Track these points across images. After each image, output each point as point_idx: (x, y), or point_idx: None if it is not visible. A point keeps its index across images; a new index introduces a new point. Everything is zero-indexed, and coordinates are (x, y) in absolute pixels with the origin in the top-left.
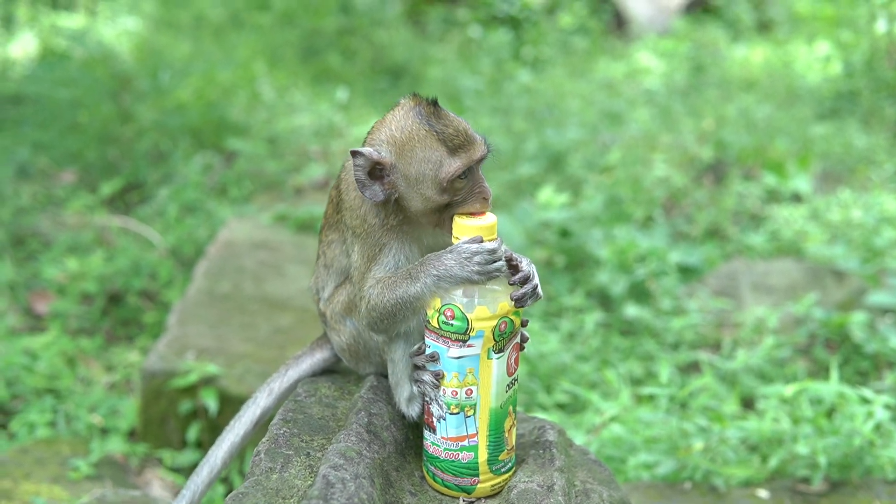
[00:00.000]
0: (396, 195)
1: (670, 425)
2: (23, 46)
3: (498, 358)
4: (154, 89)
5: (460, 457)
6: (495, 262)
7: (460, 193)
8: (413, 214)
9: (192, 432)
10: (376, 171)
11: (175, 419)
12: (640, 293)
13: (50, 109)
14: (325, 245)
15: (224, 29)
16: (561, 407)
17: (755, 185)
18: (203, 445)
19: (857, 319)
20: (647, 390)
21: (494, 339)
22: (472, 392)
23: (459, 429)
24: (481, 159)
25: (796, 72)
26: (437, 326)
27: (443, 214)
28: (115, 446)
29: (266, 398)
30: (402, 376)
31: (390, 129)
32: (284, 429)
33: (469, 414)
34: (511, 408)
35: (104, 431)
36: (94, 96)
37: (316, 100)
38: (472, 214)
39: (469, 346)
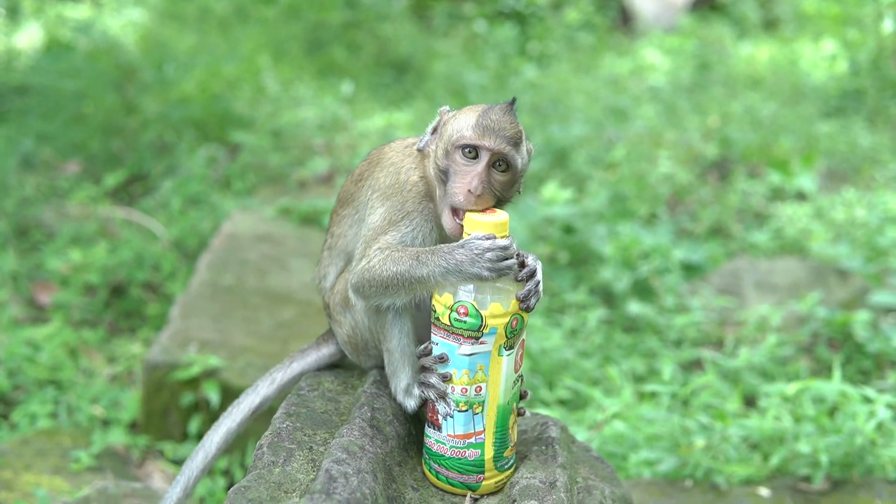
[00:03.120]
0: (427, 150)
1: (672, 423)
2: (28, 37)
3: (508, 354)
4: (159, 81)
5: (467, 454)
6: (507, 259)
7: (457, 170)
8: (429, 182)
9: (194, 425)
10: (439, 128)
11: (177, 411)
12: (643, 290)
13: (55, 100)
14: (335, 224)
15: (229, 21)
16: (563, 403)
17: (760, 182)
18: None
19: (859, 318)
20: (649, 387)
21: (506, 336)
22: (481, 389)
23: (467, 426)
24: (490, 151)
25: (802, 70)
26: (449, 323)
27: (442, 192)
28: (117, 438)
29: (267, 387)
30: (399, 366)
31: (473, 105)
32: (287, 422)
33: (477, 411)
34: (514, 404)
35: (105, 423)
36: (98, 87)
37: (320, 93)
38: (482, 211)
39: (481, 343)
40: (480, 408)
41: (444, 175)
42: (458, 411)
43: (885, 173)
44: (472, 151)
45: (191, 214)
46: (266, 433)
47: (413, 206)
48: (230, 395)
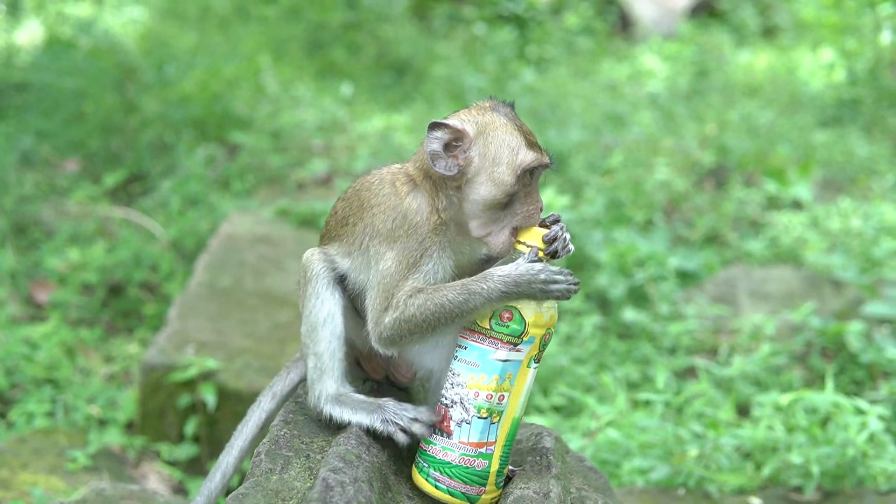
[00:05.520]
0: (466, 177)
1: (665, 431)
2: (29, 33)
3: (535, 367)
4: (159, 80)
5: (475, 463)
6: (557, 282)
7: (526, 192)
8: (471, 207)
9: (190, 426)
10: (452, 145)
11: (173, 412)
12: (638, 297)
13: (55, 98)
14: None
15: (230, 20)
16: (558, 410)
17: (756, 191)
18: (200, 440)
19: (853, 329)
20: (643, 396)
21: (539, 349)
22: (503, 398)
23: (483, 434)
24: (546, 166)
25: (800, 78)
26: (488, 327)
27: (501, 215)
28: (113, 438)
29: (269, 401)
30: (327, 370)
31: (470, 113)
32: (285, 430)
33: (495, 420)
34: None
35: (102, 423)
36: (98, 86)
37: (320, 94)
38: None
39: (518, 350)
40: (499, 417)
41: (511, 199)
42: (479, 417)
43: (882, 183)
44: (534, 172)
45: (189, 215)
46: (264, 440)
47: (431, 242)
48: (227, 397)
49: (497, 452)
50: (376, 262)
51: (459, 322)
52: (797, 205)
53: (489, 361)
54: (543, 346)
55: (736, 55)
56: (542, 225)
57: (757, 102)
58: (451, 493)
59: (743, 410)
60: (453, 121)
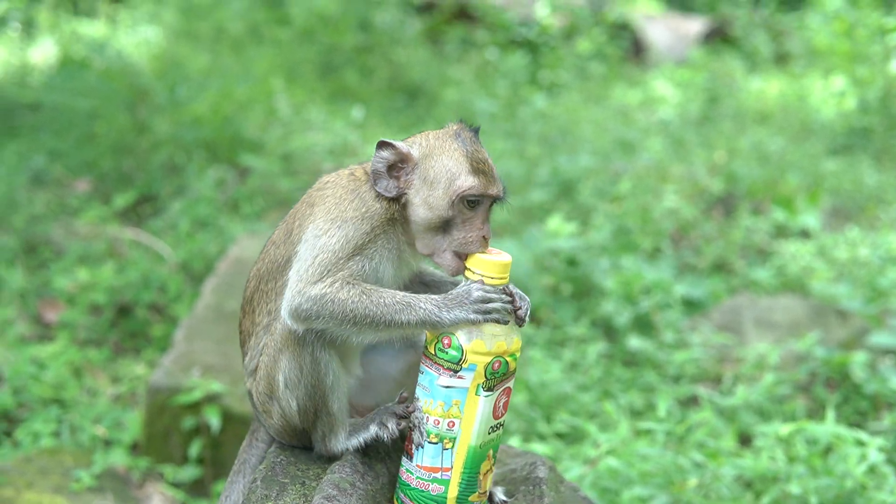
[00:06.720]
0: (406, 198)
1: (666, 460)
2: (43, 52)
3: (486, 396)
4: (171, 102)
5: (430, 488)
6: (492, 302)
7: (464, 219)
8: (413, 227)
9: (195, 448)
10: (397, 167)
11: (178, 434)
12: (644, 325)
13: (67, 118)
14: (263, 301)
15: (243, 42)
16: (560, 437)
17: (764, 219)
18: (205, 462)
19: (857, 359)
20: (644, 425)
21: (485, 377)
22: (454, 425)
23: (435, 459)
24: (495, 198)
25: (811, 106)
26: (433, 353)
27: (440, 238)
28: (118, 459)
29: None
30: (338, 424)
31: (427, 137)
32: (282, 457)
33: (447, 447)
34: (492, 451)
35: (107, 443)
36: (111, 107)
37: (332, 117)
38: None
39: (459, 377)
40: (451, 444)
41: (447, 224)
42: (429, 442)
43: (890, 213)
44: (476, 200)
45: (198, 237)
46: (260, 467)
47: (382, 231)
48: (231, 420)
49: (454, 479)
50: (316, 237)
51: (386, 330)
52: (805, 233)
53: (436, 387)
54: (493, 374)
55: (748, 82)
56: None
57: (767, 130)
58: None
59: (745, 440)
60: (400, 143)
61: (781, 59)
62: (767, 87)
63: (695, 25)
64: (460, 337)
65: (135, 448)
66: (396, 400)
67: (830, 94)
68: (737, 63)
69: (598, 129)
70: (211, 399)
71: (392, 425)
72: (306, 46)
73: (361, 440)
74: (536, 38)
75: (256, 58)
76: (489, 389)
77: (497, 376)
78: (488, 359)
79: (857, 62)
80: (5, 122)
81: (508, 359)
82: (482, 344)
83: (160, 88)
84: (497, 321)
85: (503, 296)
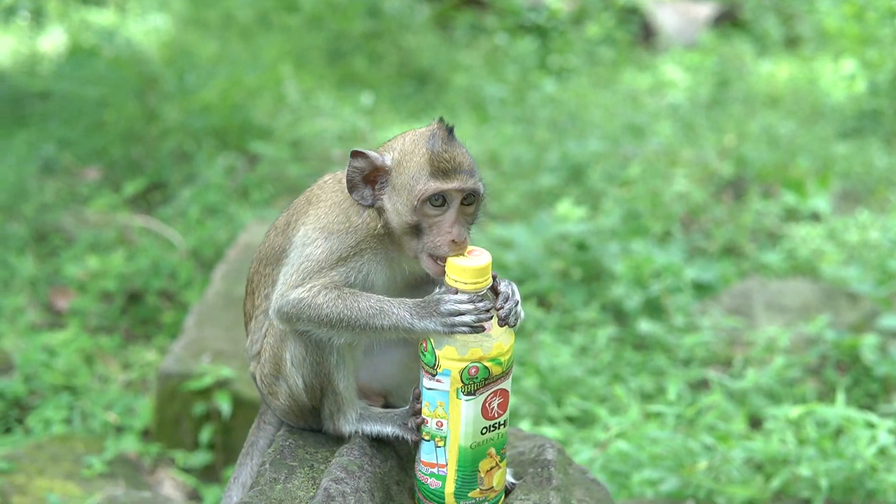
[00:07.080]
0: (381, 205)
1: (676, 443)
2: (52, 41)
3: (468, 400)
4: (180, 89)
5: (429, 482)
6: (462, 315)
7: (431, 223)
8: (392, 231)
9: (205, 434)
10: (372, 175)
11: (189, 420)
12: (654, 308)
13: (77, 106)
14: (262, 285)
15: (252, 29)
16: (571, 420)
17: (774, 202)
18: (216, 447)
19: (868, 342)
20: (654, 408)
21: (462, 382)
22: (442, 425)
23: (430, 455)
24: (461, 193)
25: (821, 89)
26: (418, 354)
27: (416, 242)
28: (129, 445)
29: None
30: (346, 404)
31: (405, 140)
32: (290, 440)
33: (440, 444)
34: (493, 450)
35: (119, 430)
36: (120, 95)
37: (341, 104)
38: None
39: (437, 380)
40: (443, 442)
41: (416, 229)
42: (424, 440)
43: None
44: (440, 199)
45: (208, 224)
46: (269, 450)
47: (367, 245)
48: (242, 405)
49: (450, 476)
50: (304, 245)
51: (364, 334)
52: (815, 216)
53: (423, 388)
54: (471, 379)
55: (757, 65)
56: (493, 289)
57: (777, 113)
58: None
59: (756, 423)
60: (373, 153)
61: (791, 43)
62: (777, 71)
63: (704, 9)
64: (434, 342)
65: (146, 434)
66: (412, 398)
67: (840, 77)
68: (746, 47)
69: (608, 113)
70: (221, 385)
71: (412, 423)
72: (315, 33)
73: (376, 431)
74: (545, 22)
75: (265, 45)
76: (470, 394)
77: (477, 381)
78: (462, 365)
79: (868, 45)
80: (15, 110)
81: (489, 364)
82: (453, 350)
83: (169, 76)
84: (466, 333)
85: (477, 304)
